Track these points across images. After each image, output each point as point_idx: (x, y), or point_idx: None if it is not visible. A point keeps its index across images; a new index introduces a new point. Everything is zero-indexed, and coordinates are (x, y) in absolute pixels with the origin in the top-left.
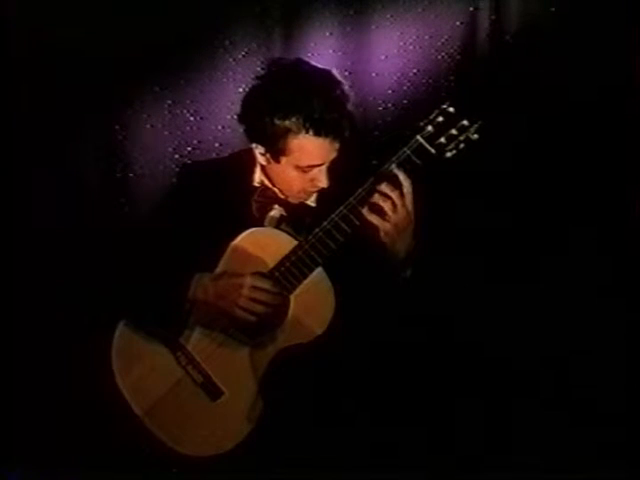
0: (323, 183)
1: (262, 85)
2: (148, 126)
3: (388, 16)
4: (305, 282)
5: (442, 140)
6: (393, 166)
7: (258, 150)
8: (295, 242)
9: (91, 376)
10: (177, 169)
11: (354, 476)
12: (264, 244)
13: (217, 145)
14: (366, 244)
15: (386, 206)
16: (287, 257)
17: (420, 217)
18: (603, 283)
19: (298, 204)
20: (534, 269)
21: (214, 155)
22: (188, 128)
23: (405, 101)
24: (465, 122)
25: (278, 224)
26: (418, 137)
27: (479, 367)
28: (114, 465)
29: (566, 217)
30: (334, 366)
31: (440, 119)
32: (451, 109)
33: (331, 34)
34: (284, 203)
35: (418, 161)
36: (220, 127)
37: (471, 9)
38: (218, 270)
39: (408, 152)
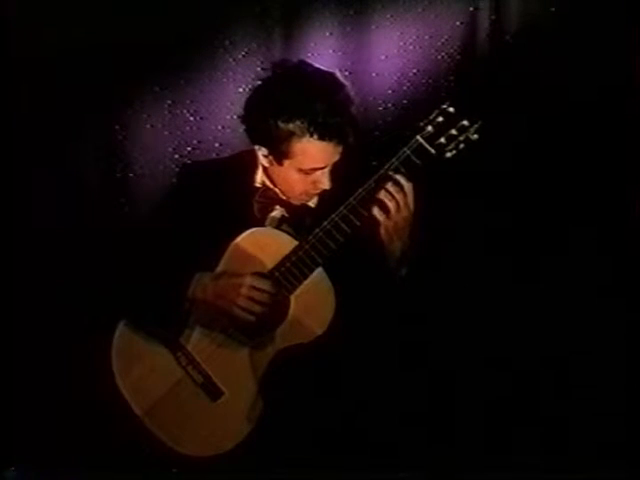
0: (325, 185)
1: (266, 87)
2: (148, 126)
3: (388, 16)
4: (305, 282)
5: (442, 140)
6: (393, 166)
7: (261, 152)
8: (295, 242)
9: (91, 376)
10: (177, 169)
11: (354, 476)
12: (264, 244)
13: (217, 145)
14: (363, 243)
15: (386, 206)
16: (287, 257)
17: (419, 217)
18: (603, 283)
19: (299, 205)
20: (533, 269)
21: (214, 155)
22: (188, 128)
23: (405, 101)
24: (465, 122)
25: (279, 225)
26: (418, 137)
27: (479, 367)
28: (114, 465)
29: (566, 217)
30: (334, 366)
31: (440, 119)
32: (451, 109)
33: (331, 34)
34: (285, 204)
35: (418, 161)
36: (220, 127)
37: (471, 9)
38: (218, 270)
39: (408, 152)
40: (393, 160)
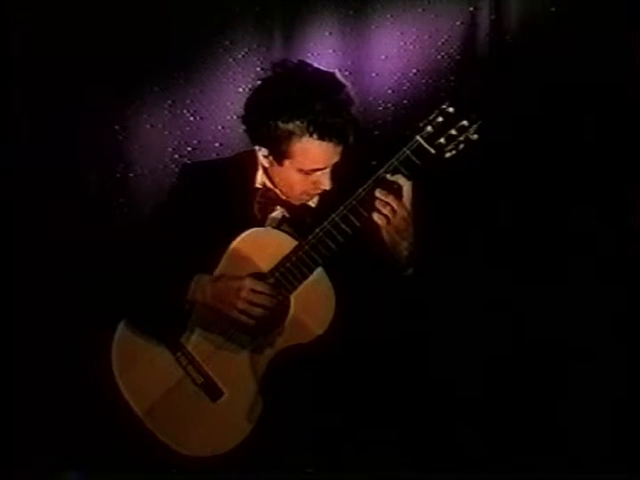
0: (326, 186)
1: (266, 87)
2: (148, 126)
3: (388, 16)
4: (305, 282)
5: (442, 140)
6: (393, 166)
7: (261, 152)
8: (295, 242)
9: (91, 376)
10: (177, 169)
11: (354, 476)
12: (264, 244)
13: (217, 145)
14: (367, 244)
15: (386, 206)
16: (287, 257)
17: (420, 217)
18: (603, 283)
19: (299, 205)
20: (534, 269)
21: (214, 155)
22: (188, 128)
23: (405, 101)
24: (465, 122)
25: (279, 225)
26: (418, 137)
27: (479, 366)
28: (114, 465)
29: (566, 216)
30: (334, 366)
31: (440, 119)
32: (451, 109)
33: (331, 34)
34: (286, 204)
35: (418, 161)
36: (220, 127)
37: (471, 9)
38: (218, 270)
39: (408, 152)
40: (393, 160)
